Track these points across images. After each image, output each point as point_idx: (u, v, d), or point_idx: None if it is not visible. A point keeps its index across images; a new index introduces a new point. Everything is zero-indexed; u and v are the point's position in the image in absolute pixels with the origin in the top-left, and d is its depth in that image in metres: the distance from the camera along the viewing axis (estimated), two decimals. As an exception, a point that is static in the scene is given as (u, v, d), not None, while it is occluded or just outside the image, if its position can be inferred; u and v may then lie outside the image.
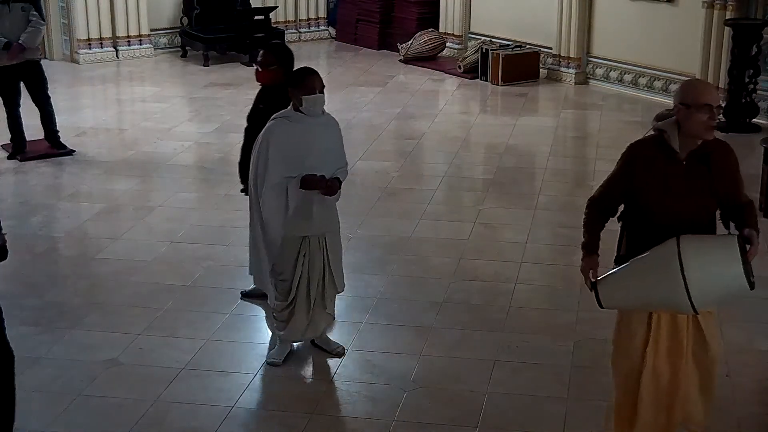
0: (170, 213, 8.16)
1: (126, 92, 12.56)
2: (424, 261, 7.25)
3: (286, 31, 14.40)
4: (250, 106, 6.43)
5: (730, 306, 5.59)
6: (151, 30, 13.88)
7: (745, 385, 5.57)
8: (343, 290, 5.88)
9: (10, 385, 4.70)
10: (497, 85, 12.31)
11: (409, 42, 13.58)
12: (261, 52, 6.27)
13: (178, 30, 14.11)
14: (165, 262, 7.22)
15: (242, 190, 6.39)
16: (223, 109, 11.18)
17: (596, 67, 12.36)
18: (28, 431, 5.10)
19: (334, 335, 6.00)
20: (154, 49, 13.96)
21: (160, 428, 5.18)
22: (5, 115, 9.53)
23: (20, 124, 9.49)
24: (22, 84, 9.37)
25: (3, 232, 4.46)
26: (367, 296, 6.64)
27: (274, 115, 5.59)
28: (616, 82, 12.12)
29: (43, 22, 9.46)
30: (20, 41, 9.06)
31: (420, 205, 8.34)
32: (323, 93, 5.53)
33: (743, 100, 10.25)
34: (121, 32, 13.61)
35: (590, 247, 4.49)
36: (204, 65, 13.39)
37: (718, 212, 4.43)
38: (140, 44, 13.76)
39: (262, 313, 6.37)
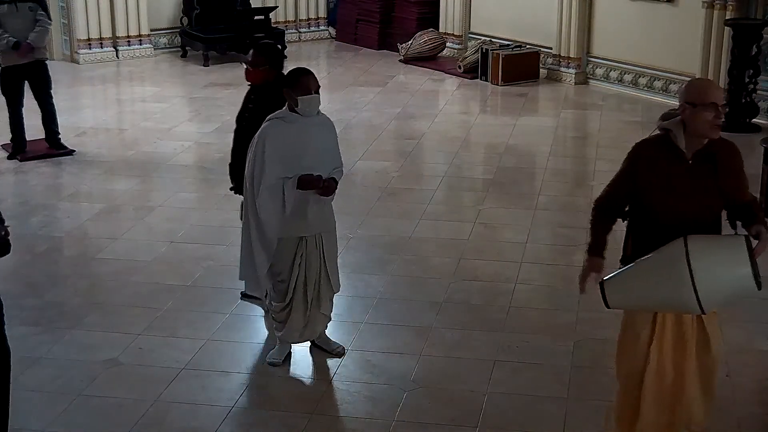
0: (170, 213, 8.16)
1: (126, 92, 12.56)
2: (424, 261, 7.25)
3: (286, 31, 14.39)
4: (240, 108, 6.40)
5: (730, 306, 5.59)
6: (151, 30, 13.89)
7: (745, 385, 5.57)
8: (339, 290, 5.88)
9: (6, 382, 4.69)
10: (497, 85, 12.31)
11: (409, 42, 13.58)
12: (251, 51, 6.27)
13: (178, 30, 14.11)
14: (165, 262, 7.22)
15: (231, 188, 6.38)
16: (223, 109, 11.17)
17: (596, 67, 12.36)
18: (28, 431, 5.10)
19: (334, 335, 6.00)
20: (154, 49, 13.96)
21: (160, 428, 5.18)
22: (7, 115, 9.53)
23: (22, 124, 9.51)
24: (26, 84, 9.40)
25: (7, 225, 4.46)
26: (367, 296, 6.64)
27: (269, 116, 5.59)
28: (616, 82, 12.12)
29: (50, 21, 9.52)
30: (29, 40, 9.11)
31: (420, 205, 8.34)
32: (318, 93, 5.54)
33: (743, 100, 10.25)
34: (121, 32, 13.61)
35: (594, 249, 4.46)
36: (204, 65, 13.39)
37: (723, 213, 4.42)
38: (140, 44, 13.76)
39: (262, 313, 6.36)
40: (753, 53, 10.24)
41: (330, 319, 5.89)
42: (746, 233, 4.26)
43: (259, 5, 14.30)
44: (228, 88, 12.19)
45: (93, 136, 10.40)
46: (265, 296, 6.07)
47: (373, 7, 14.55)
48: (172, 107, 11.50)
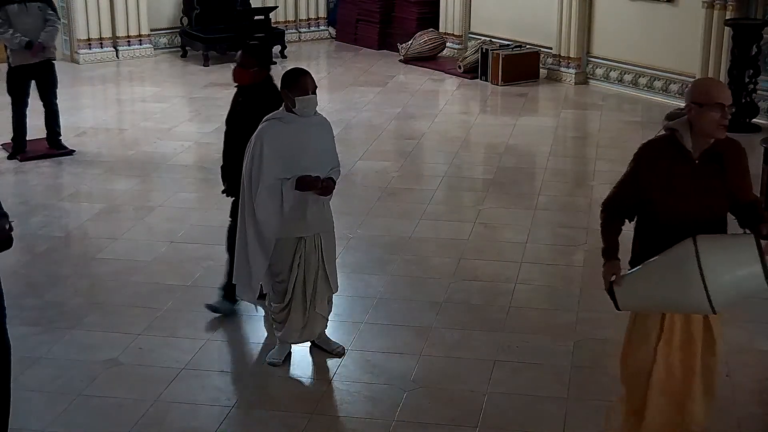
0: (170, 213, 8.16)
1: (126, 92, 12.56)
2: (424, 261, 7.25)
3: (286, 31, 14.39)
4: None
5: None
6: (151, 30, 13.89)
7: (745, 385, 5.57)
8: (337, 290, 5.87)
9: (6, 377, 4.69)
10: (497, 85, 12.31)
11: (409, 42, 13.58)
12: (239, 52, 6.26)
13: (178, 30, 14.11)
14: (165, 262, 7.22)
15: (223, 191, 6.37)
16: (223, 109, 11.00)
17: (596, 67, 12.36)
18: (28, 431, 5.10)
19: (334, 335, 6.00)
20: (154, 49, 13.96)
21: (160, 428, 5.18)
22: (10, 114, 9.54)
23: (25, 124, 9.53)
24: (32, 84, 9.43)
25: (12, 220, 4.46)
26: (367, 296, 6.64)
27: (266, 117, 5.60)
28: (616, 82, 12.12)
29: (59, 20, 9.54)
30: (40, 40, 9.14)
31: (420, 205, 8.34)
32: (315, 94, 5.54)
33: (743, 100, 10.24)
34: (121, 32, 13.62)
35: (609, 253, 4.43)
36: (204, 65, 13.39)
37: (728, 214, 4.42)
38: (140, 44, 13.77)
39: (262, 313, 6.36)
40: (753, 53, 10.24)
41: (328, 320, 5.88)
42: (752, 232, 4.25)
43: (259, 5, 14.29)
44: (228, 88, 12.05)
45: (93, 136, 10.40)
46: (257, 299, 6.09)
47: (373, 7, 14.56)
48: (172, 107, 11.50)
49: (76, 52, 13.38)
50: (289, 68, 5.75)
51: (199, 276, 6.89)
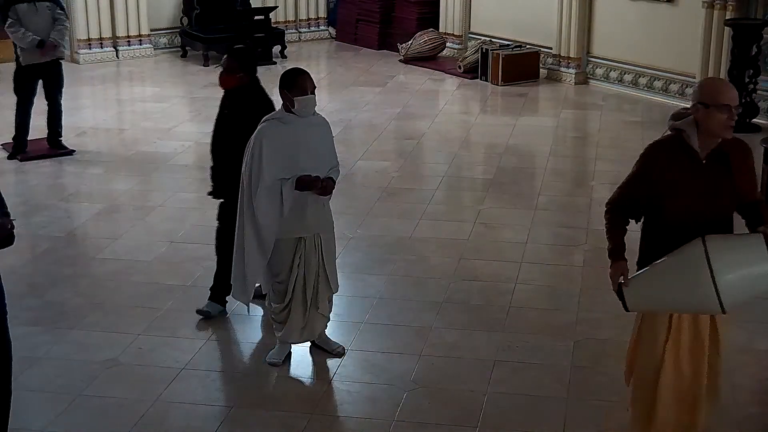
0: (170, 213, 8.16)
1: (126, 92, 12.56)
2: (424, 261, 7.25)
3: (286, 31, 14.39)
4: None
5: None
6: (151, 30, 13.89)
7: (745, 385, 5.57)
8: (337, 290, 5.87)
9: (7, 375, 4.69)
10: (497, 85, 12.31)
11: (409, 42, 13.58)
12: (225, 57, 6.25)
13: (178, 30, 14.12)
14: (165, 262, 7.23)
15: (209, 193, 6.36)
16: (223, 109, 11.15)
17: (596, 67, 12.36)
18: (28, 431, 5.10)
19: (334, 335, 6.00)
20: (154, 49, 13.96)
21: (160, 428, 5.18)
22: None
23: (28, 124, 9.55)
24: (39, 83, 9.46)
25: (12, 218, 4.46)
26: (367, 296, 6.64)
27: (265, 117, 5.61)
28: (616, 82, 12.12)
29: (68, 19, 9.57)
30: (51, 39, 9.18)
31: (420, 205, 8.34)
32: (314, 94, 5.54)
33: (743, 100, 10.24)
34: (121, 32, 13.62)
35: (616, 253, 4.41)
36: (204, 65, 13.38)
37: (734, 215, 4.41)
38: (140, 44, 13.77)
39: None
40: (753, 53, 10.24)
41: (328, 320, 5.89)
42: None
43: (259, 5, 14.29)
44: (228, 88, 12.17)
45: (93, 136, 10.40)
46: (256, 299, 6.11)
47: (373, 7, 14.56)
48: (172, 107, 11.50)
49: (76, 52, 13.37)
50: (288, 68, 5.75)
51: (199, 276, 6.89)
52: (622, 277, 4.35)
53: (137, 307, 6.50)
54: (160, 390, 5.49)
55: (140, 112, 11.43)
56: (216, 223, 6.38)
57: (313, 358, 5.89)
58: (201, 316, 6.31)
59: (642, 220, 4.50)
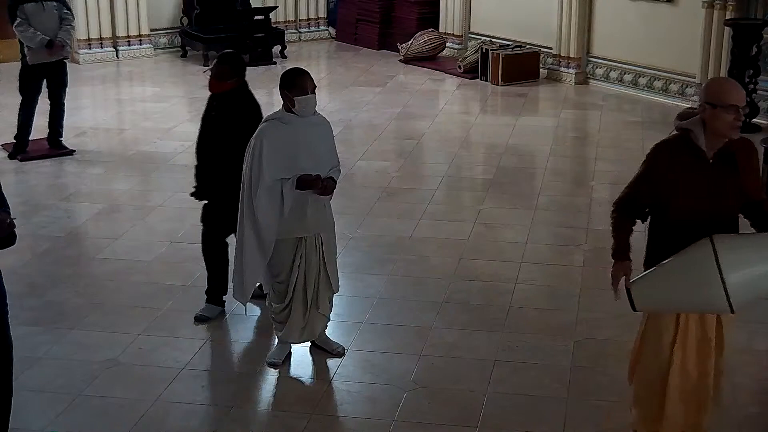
0: (170, 213, 8.16)
1: (126, 92, 12.56)
2: (424, 261, 7.25)
3: (286, 31, 14.39)
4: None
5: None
6: (151, 30, 13.89)
7: (745, 385, 5.57)
8: (338, 290, 5.88)
9: (8, 374, 4.69)
10: (497, 85, 12.31)
11: (409, 42, 13.58)
12: (214, 63, 6.24)
13: (178, 30, 14.12)
14: (165, 262, 7.22)
15: (192, 194, 6.36)
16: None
17: (596, 67, 12.36)
18: (28, 431, 5.10)
19: (334, 335, 6.00)
20: (154, 49, 13.97)
21: (160, 428, 5.18)
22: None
23: (31, 124, 9.55)
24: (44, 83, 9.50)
25: (13, 217, 4.46)
26: (367, 296, 6.64)
27: (266, 117, 5.62)
28: (616, 82, 12.12)
29: (74, 18, 9.59)
30: (59, 39, 9.21)
31: (420, 205, 8.34)
32: (315, 93, 5.54)
33: (743, 101, 10.24)
34: (121, 32, 13.62)
35: (619, 253, 4.41)
36: (204, 65, 13.38)
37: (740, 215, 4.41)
38: (140, 44, 13.77)
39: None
40: (753, 53, 10.24)
41: (329, 320, 5.89)
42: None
43: (259, 5, 14.30)
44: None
45: (93, 136, 10.41)
46: (257, 299, 6.11)
47: (373, 7, 14.56)
48: (172, 107, 11.50)
49: (76, 52, 13.37)
50: (287, 68, 5.75)
51: (199, 276, 6.88)
52: (624, 277, 4.34)
53: (137, 307, 6.50)
54: (160, 390, 5.49)
55: (140, 112, 11.43)
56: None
57: (313, 358, 5.89)
58: (204, 322, 6.30)
59: (648, 220, 4.49)
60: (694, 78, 11.03)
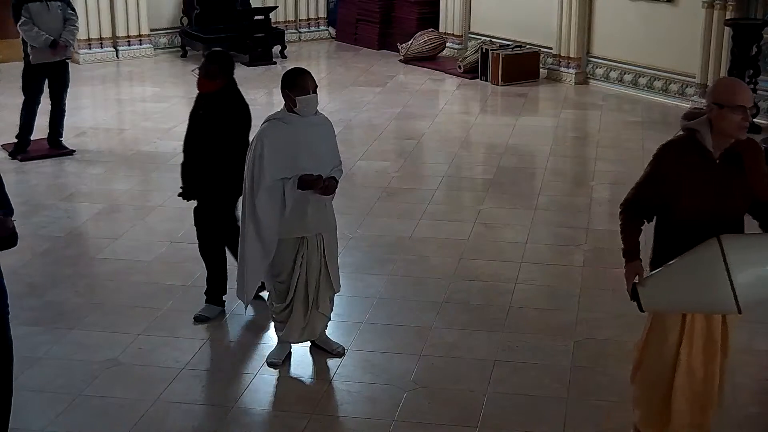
0: (170, 213, 8.16)
1: (126, 92, 12.56)
2: (424, 261, 7.25)
3: (286, 31, 14.39)
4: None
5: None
6: (151, 30, 13.89)
7: (745, 385, 5.57)
8: (339, 290, 5.88)
9: (8, 375, 4.69)
10: (497, 85, 12.31)
11: (409, 42, 13.58)
12: (203, 62, 6.24)
13: (178, 30, 14.12)
14: (165, 262, 7.23)
15: (180, 194, 6.37)
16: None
17: (596, 67, 12.36)
18: (28, 431, 5.10)
19: (334, 335, 6.00)
20: (154, 49, 13.97)
21: (160, 428, 5.18)
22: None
23: (33, 123, 9.56)
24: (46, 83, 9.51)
25: (13, 218, 4.46)
26: (367, 296, 6.64)
27: (267, 117, 5.61)
28: (616, 82, 12.12)
29: (78, 18, 9.60)
30: (63, 39, 9.22)
31: (420, 205, 8.34)
32: (316, 93, 5.54)
33: (743, 100, 10.24)
34: (121, 32, 13.63)
35: (631, 254, 4.40)
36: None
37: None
38: (140, 44, 13.78)
39: (263, 313, 6.36)
40: (753, 53, 10.24)
41: (329, 319, 5.89)
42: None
43: (259, 5, 14.30)
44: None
45: (93, 136, 10.41)
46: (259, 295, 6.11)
47: (373, 7, 14.56)
48: (172, 107, 11.49)
49: (76, 52, 13.36)
50: (289, 68, 5.75)
51: (199, 276, 6.88)
52: (636, 277, 4.33)
53: (137, 307, 6.50)
54: (160, 390, 5.49)
55: (140, 112, 11.43)
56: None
57: (313, 358, 5.89)
58: (204, 322, 6.30)
59: (654, 220, 4.48)
60: (694, 78, 11.03)
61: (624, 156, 9.49)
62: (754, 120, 10.32)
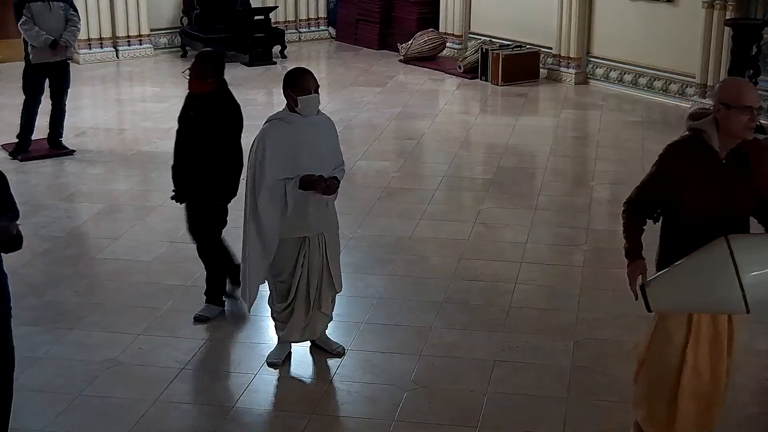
0: (170, 213, 8.14)
1: (126, 92, 12.56)
2: (424, 261, 7.25)
3: (286, 31, 14.39)
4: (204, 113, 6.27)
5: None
6: (151, 30, 13.89)
7: (745, 385, 5.57)
8: (341, 290, 5.88)
9: (8, 383, 4.70)
10: (497, 85, 12.31)
11: (409, 42, 13.58)
12: (194, 62, 6.24)
13: (178, 30, 14.12)
14: (165, 262, 7.23)
15: (172, 197, 6.37)
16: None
17: (596, 67, 12.36)
18: (28, 431, 5.10)
19: (334, 335, 6.00)
20: (154, 49, 13.97)
21: (160, 428, 5.18)
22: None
23: (34, 123, 9.56)
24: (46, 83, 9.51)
25: (18, 222, 4.47)
26: (367, 296, 6.65)
27: (269, 117, 5.61)
28: (616, 82, 12.12)
29: (80, 20, 9.60)
30: (63, 39, 9.23)
31: (420, 205, 8.34)
32: (318, 93, 5.53)
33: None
34: (121, 32, 13.63)
35: (634, 253, 4.39)
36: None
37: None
38: (140, 44, 13.78)
39: (263, 313, 6.36)
40: (753, 53, 10.24)
41: (331, 319, 5.89)
42: None
43: (259, 5, 14.30)
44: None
45: (93, 136, 10.41)
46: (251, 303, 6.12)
47: (373, 7, 14.56)
48: (172, 107, 11.45)
49: (76, 52, 13.36)
50: (291, 68, 5.75)
51: (198, 276, 6.88)
52: (640, 276, 4.33)
53: (137, 307, 6.50)
54: (160, 390, 5.49)
55: (140, 112, 11.43)
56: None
57: (313, 358, 5.89)
58: (204, 322, 6.30)
59: (660, 220, 4.47)
60: (694, 78, 11.03)
61: (624, 156, 9.49)
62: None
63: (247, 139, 5.95)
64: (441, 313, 6.41)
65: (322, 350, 5.90)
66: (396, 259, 7.24)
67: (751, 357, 5.85)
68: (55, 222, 8.06)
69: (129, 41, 13.70)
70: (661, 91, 11.58)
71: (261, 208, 5.45)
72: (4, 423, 4.72)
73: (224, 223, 6.34)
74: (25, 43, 9.37)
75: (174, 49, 14.16)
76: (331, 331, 5.99)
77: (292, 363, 5.82)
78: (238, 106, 6.20)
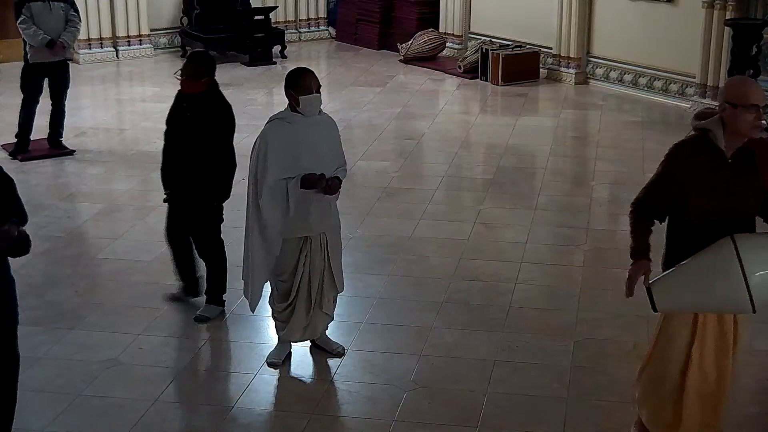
0: (170, 213, 8.15)
1: (126, 92, 12.55)
2: (424, 261, 7.25)
3: (286, 31, 14.39)
4: (196, 112, 6.27)
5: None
6: (151, 30, 13.89)
7: (745, 385, 5.57)
8: (342, 290, 5.88)
9: (13, 388, 4.71)
10: (497, 85, 12.31)
11: (409, 42, 13.58)
12: (185, 63, 6.25)
13: (178, 30, 14.12)
14: (165, 262, 7.20)
15: (165, 200, 6.38)
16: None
17: (596, 67, 12.36)
18: (28, 431, 5.09)
19: (334, 335, 6.00)
20: (154, 49, 13.97)
21: (160, 428, 5.18)
22: (14, 113, 9.55)
23: (32, 123, 9.56)
24: (45, 83, 9.50)
25: (22, 228, 4.47)
26: (367, 296, 6.65)
27: (271, 116, 5.61)
28: (616, 82, 12.12)
29: (80, 20, 9.61)
30: (61, 39, 9.22)
31: (420, 205, 8.34)
32: (319, 92, 5.53)
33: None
34: (121, 32, 13.63)
35: (639, 253, 4.37)
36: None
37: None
38: (140, 44, 13.78)
39: (263, 313, 6.36)
40: (753, 53, 10.24)
41: (332, 319, 5.89)
42: None
43: (259, 5, 14.30)
44: (228, 88, 12.13)
45: (93, 136, 10.40)
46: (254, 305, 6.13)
47: (373, 7, 14.56)
48: (172, 107, 11.47)
49: (76, 52, 13.36)
50: (292, 68, 5.75)
51: (198, 276, 6.88)
52: (643, 276, 4.32)
53: (137, 307, 6.50)
54: (160, 390, 5.49)
55: (140, 112, 11.43)
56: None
57: (313, 358, 5.89)
58: (204, 322, 6.30)
59: (666, 220, 4.47)
60: (694, 78, 11.03)
61: (624, 156, 9.49)
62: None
63: (247, 139, 5.96)
64: (441, 313, 6.41)
65: (322, 350, 5.90)
66: (396, 259, 7.24)
67: (751, 357, 5.85)
68: (55, 222, 8.06)
69: (129, 41, 13.70)
70: (661, 91, 11.58)
71: (263, 207, 5.46)
72: (7, 425, 4.73)
73: (221, 219, 6.35)
74: (24, 42, 9.38)
75: (174, 49, 14.15)
76: (331, 331, 5.99)
77: (292, 363, 5.82)
78: (229, 106, 6.21)
